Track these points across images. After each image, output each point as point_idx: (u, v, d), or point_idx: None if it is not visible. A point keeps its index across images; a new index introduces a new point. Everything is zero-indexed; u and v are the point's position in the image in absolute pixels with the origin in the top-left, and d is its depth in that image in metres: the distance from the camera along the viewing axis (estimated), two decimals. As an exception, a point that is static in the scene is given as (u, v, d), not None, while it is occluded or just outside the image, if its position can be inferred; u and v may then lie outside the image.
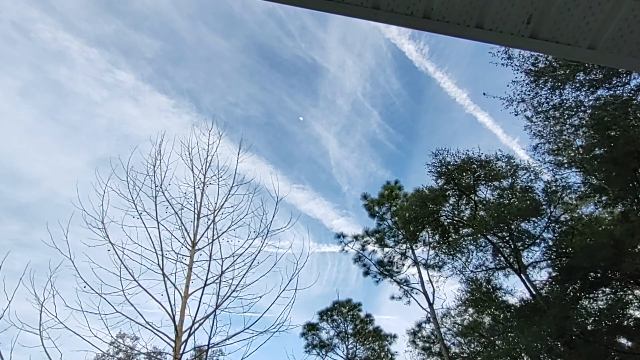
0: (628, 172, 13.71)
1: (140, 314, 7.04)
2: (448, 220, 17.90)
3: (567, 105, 13.55)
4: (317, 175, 35.18)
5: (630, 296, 14.78)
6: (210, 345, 7.41)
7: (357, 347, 24.15)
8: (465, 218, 17.51)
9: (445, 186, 17.00)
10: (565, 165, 16.60)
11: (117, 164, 8.09)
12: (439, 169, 16.92)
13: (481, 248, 17.08)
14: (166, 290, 7.45)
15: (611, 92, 12.14)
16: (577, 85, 12.03)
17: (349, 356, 23.43)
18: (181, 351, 7.02)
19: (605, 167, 14.37)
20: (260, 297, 7.99)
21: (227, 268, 8.13)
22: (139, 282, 7.34)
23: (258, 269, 8.20)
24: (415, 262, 19.75)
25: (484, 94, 14.33)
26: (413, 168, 34.32)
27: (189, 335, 7.28)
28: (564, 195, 15.99)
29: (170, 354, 7.01)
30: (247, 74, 30.16)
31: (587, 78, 11.76)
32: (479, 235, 16.71)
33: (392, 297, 20.40)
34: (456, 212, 17.56)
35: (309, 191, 30.29)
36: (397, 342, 22.87)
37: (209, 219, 8.73)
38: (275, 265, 8.03)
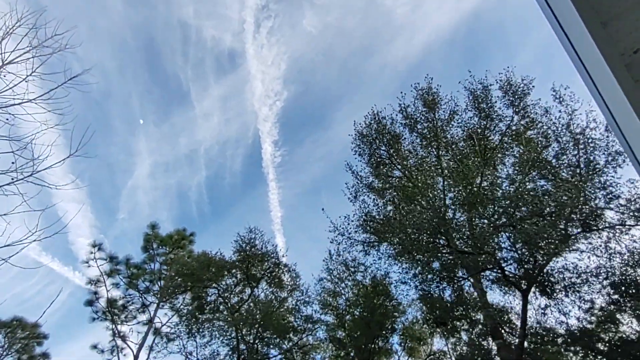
0: (361, 344, 16.01)
1: None
2: (214, 297, 16.74)
3: (360, 262, 15.93)
4: (102, 184, 27.21)
5: None
6: None
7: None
8: (230, 304, 16.70)
9: (237, 263, 16.40)
10: (327, 312, 18.45)
11: None
12: (242, 245, 16.50)
13: (224, 341, 16.08)
14: None
15: (397, 272, 14.88)
16: (380, 255, 14.63)
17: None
18: None
19: (357, 329, 16.48)
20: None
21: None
22: None
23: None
24: (150, 321, 16.98)
25: (322, 209, 15.64)
26: (198, 243, 32.03)
27: None
28: (314, 332, 17.23)
29: None
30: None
31: (390, 252, 14.32)
32: (230, 329, 15.89)
33: (95, 347, 16.28)
34: (227, 294, 16.70)
35: (82, 191, 24.09)
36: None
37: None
38: None
